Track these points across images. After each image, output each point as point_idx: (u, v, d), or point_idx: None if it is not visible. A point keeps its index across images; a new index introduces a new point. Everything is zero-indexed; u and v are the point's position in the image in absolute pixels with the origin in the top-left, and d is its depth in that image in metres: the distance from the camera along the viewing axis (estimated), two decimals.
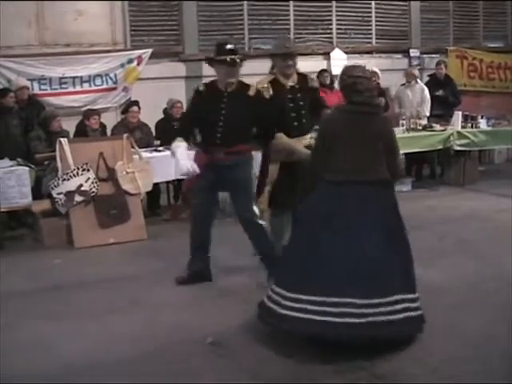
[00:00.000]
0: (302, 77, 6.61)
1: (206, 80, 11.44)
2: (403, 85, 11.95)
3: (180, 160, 6.07)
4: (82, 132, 9.55)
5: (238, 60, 6.07)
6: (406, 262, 5.00)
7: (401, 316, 4.74)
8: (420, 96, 11.62)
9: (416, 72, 12.14)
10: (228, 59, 6.00)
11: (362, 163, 4.98)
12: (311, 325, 4.67)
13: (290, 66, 6.41)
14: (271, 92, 6.33)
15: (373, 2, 13.63)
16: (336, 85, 11.57)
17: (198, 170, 6.05)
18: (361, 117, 5.05)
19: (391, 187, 5.16)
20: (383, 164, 5.02)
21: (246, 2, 12.36)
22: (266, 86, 6.37)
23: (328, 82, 11.60)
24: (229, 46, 6.14)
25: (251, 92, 6.16)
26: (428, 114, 11.58)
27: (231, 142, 6.04)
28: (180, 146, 6.18)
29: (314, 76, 6.38)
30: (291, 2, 12.75)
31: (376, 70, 11.86)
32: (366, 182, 4.94)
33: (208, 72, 11.55)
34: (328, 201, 5.00)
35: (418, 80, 11.97)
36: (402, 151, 10.62)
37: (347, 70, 5.22)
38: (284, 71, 6.42)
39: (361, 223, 4.87)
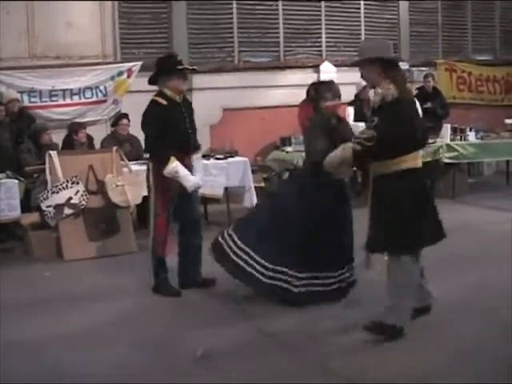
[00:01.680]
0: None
1: (195, 92, 11.65)
2: None
3: (190, 175, 6.33)
4: (69, 146, 9.51)
5: (194, 67, 6.86)
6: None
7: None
8: None
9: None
10: (189, 67, 6.61)
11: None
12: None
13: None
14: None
15: (362, 15, 13.68)
16: None
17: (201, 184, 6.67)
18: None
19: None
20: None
21: (235, 15, 12.40)
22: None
23: None
24: (179, 57, 6.59)
25: (189, 99, 6.84)
26: None
27: (196, 148, 6.71)
28: (177, 165, 6.20)
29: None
30: (281, 15, 12.79)
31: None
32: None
33: (198, 85, 11.73)
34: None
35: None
36: None
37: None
38: None
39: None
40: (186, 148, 6.42)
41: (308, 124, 6.36)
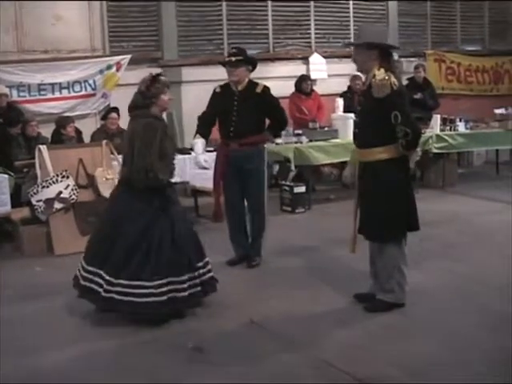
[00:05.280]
0: None
1: (184, 85, 11.65)
2: None
3: (197, 155, 7.04)
4: (57, 141, 9.46)
5: (233, 59, 6.77)
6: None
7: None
8: None
9: None
10: (226, 60, 6.91)
11: (125, 166, 5.64)
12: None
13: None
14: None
15: (351, 6, 13.68)
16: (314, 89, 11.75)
17: (212, 166, 7.08)
18: (129, 123, 5.78)
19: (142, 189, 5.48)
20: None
21: (224, 7, 12.38)
22: None
23: (308, 87, 11.58)
24: (232, 50, 7.04)
25: (258, 89, 6.89)
26: None
27: (243, 134, 6.79)
28: (197, 142, 7.03)
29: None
30: (270, 7, 12.78)
31: (360, 74, 11.82)
32: (127, 180, 5.60)
33: (187, 77, 11.71)
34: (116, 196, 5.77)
35: None
36: None
37: None
38: None
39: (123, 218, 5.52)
40: (226, 133, 6.96)
41: None
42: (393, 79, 5.26)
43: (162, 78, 5.68)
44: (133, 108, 5.68)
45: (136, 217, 5.45)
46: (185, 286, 5.45)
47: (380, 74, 5.27)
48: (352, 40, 5.20)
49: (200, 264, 5.67)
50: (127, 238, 5.42)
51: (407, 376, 4.42)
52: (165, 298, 5.34)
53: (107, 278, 5.40)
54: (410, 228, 5.60)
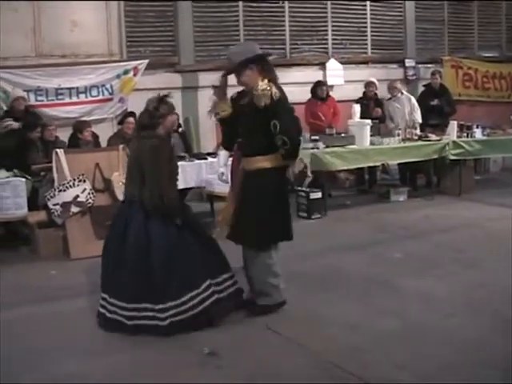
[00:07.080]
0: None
1: (201, 90, 11.66)
2: (389, 99, 11.90)
3: (219, 167, 6.78)
4: (74, 145, 9.50)
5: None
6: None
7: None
8: (408, 105, 11.59)
9: (398, 85, 12.02)
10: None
11: (131, 185, 5.55)
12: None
13: None
14: None
15: (368, 13, 13.69)
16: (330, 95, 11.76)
17: (229, 180, 6.70)
18: (134, 142, 5.71)
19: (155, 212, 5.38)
20: (140, 186, 5.42)
21: (241, 13, 12.41)
22: None
23: (324, 93, 11.56)
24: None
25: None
26: (420, 120, 11.53)
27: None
28: (220, 154, 6.82)
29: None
30: (287, 12, 12.81)
31: (374, 80, 11.92)
32: (136, 202, 5.45)
33: (204, 82, 11.74)
34: (119, 218, 5.64)
35: (403, 91, 11.94)
36: (397, 161, 10.82)
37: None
38: None
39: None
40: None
41: None
42: (274, 90, 5.45)
43: (169, 99, 5.62)
44: (139, 129, 5.67)
45: (137, 240, 5.38)
46: (184, 308, 5.33)
47: (262, 84, 5.49)
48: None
49: (205, 283, 5.45)
50: (130, 263, 5.38)
51: (416, 379, 4.43)
52: (167, 322, 5.29)
53: (124, 305, 5.40)
54: (282, 238, 5.77)
